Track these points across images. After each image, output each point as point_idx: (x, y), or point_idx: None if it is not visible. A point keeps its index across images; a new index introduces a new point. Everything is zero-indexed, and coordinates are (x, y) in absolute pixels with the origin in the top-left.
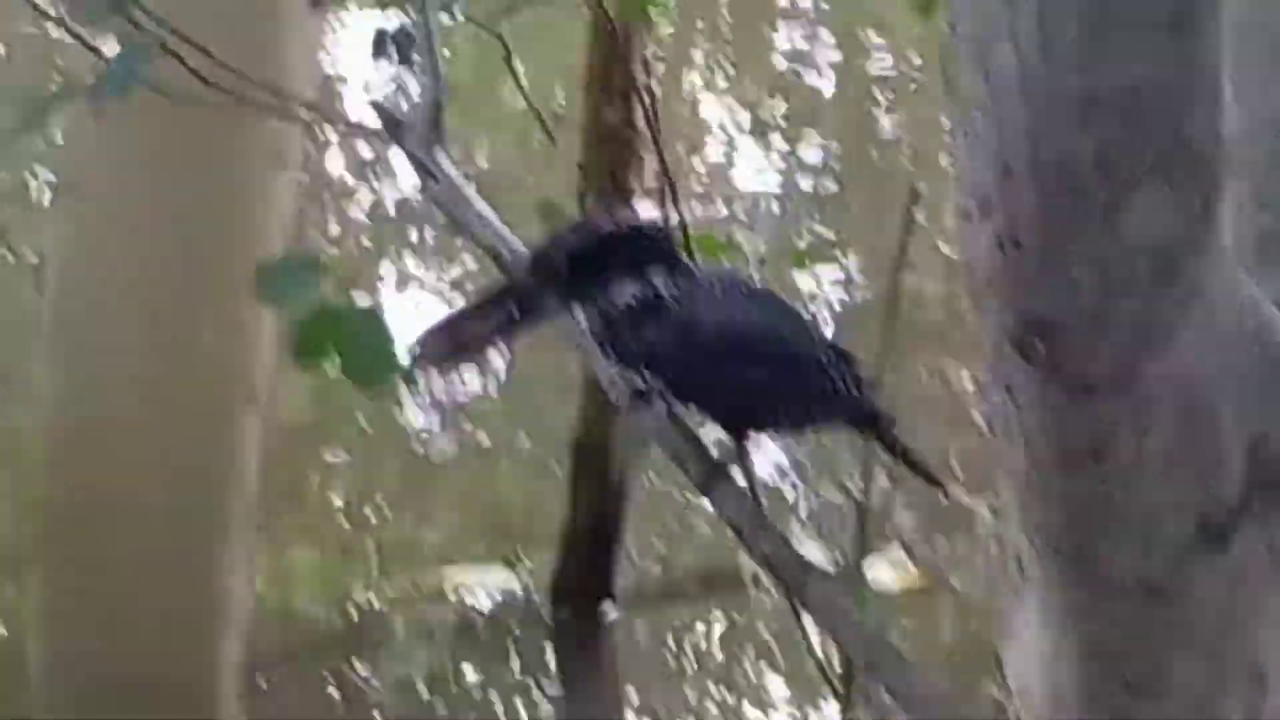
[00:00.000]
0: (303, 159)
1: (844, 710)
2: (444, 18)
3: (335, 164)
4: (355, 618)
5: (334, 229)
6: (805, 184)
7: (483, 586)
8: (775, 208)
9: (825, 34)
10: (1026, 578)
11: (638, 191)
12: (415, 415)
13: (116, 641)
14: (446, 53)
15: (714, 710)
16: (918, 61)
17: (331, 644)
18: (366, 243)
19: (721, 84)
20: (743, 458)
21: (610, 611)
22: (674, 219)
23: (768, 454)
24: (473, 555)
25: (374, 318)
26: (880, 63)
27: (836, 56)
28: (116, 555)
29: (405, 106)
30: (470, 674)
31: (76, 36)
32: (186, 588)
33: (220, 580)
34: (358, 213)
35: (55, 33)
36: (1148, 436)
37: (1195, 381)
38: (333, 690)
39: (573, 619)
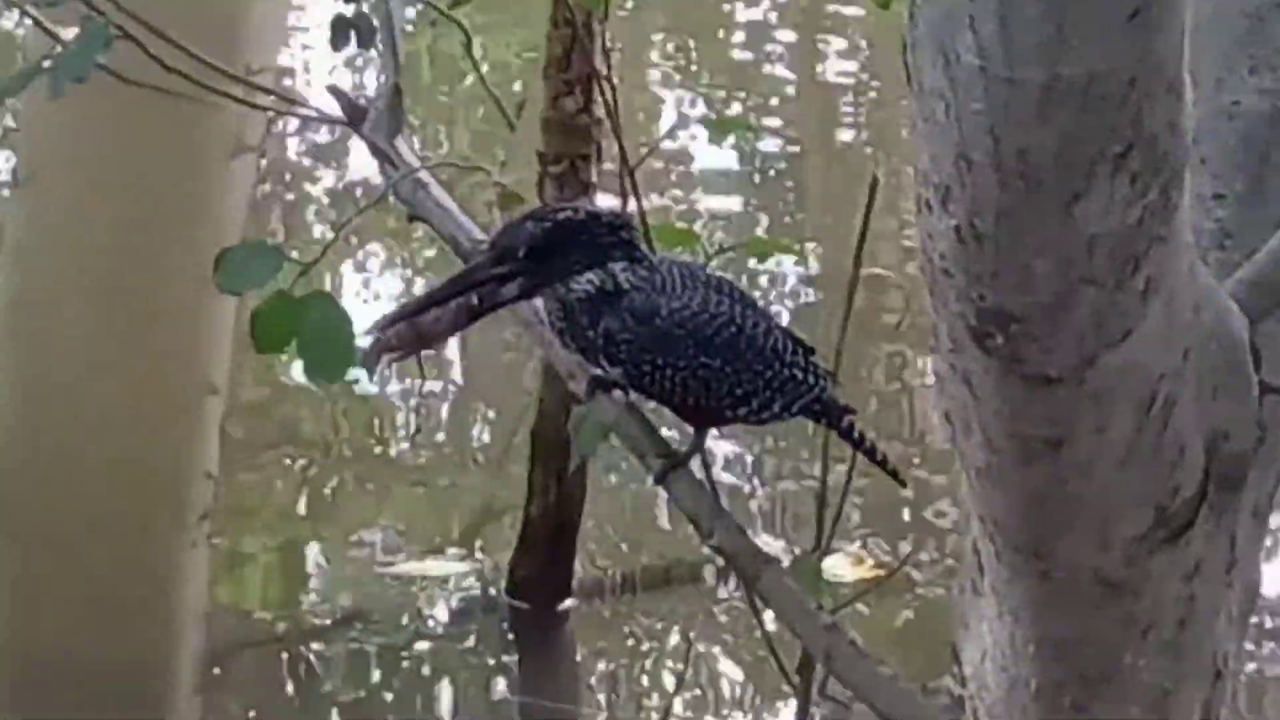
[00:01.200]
0: (263, 147)
1: (801, 700)
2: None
3: (296, 153)
4: (312, 608)
5: (294, 218)
6: (766, 175)
7: (441, 579)
8: (735, 199)
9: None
10: (984, 570)
11: (597, 181)
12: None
13: (71, 631)
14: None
15: (674, 704)
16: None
17: (288, 634)
18: (327, 231)
19: (681, 76)
20: (700, 449)
21: (569, 604)
22: (633, 209)
23: (726, 446)
24: (431, 547)
25: (333, 305)
26: (840, 59)
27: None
28: (71, 543)
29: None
30: (427, 666)
31: (35, 21)
32: (142, 576)
33: (176, 569)
34: (318, 202)
35: (9, 23)
36: (1106, 429)
37: (1154, 374)
38: (288, 680)
39: (532, 611)
